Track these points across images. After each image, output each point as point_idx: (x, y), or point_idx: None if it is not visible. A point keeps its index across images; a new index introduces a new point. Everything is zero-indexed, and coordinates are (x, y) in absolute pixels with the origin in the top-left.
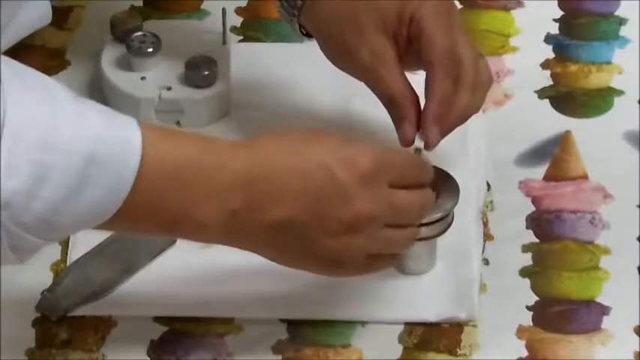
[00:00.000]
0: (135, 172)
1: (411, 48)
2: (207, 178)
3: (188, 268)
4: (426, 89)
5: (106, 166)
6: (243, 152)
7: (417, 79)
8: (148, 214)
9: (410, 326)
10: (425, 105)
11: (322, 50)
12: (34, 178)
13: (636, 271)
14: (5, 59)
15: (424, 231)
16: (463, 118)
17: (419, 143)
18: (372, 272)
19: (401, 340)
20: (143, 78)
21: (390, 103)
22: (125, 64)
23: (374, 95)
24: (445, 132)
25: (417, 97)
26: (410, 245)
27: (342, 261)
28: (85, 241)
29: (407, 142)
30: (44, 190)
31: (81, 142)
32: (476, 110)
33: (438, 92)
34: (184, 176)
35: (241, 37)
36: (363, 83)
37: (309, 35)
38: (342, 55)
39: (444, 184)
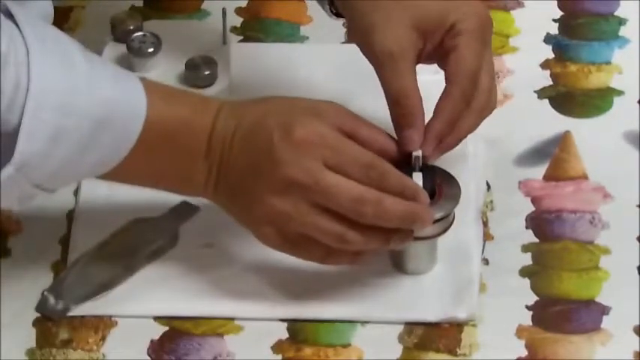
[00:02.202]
0: (138, 134)
1: (438, 50)
2: (196, 140)
3: (188, 268)
4: (439, 102)
5: (114, 128)
6: (224, 114)
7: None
8: (143, 169)
9: (410, 326)
10: (432, 120)
11: (347, 28)
12: (51, 140)
13: (636, 271)
14: (26, 20)
15: (425, 231)
16: (461, 139)
17: (417, 151)
18: (307, 256)
19: (401, 339)
20: (143, 78)
21: (395, 102)
22: (125, 64)
23: (373, 96)
24: (444, 150)
25: (422, 103)
26: (339, 244)
27: (266, 228)
28: (86, 241)
29: (410, 147)
30: (58, 151)
31: (93, 106)
32: (472, 132)
33: (448, 111)
34: (178, 136)
35: (241, 37)
36: (362, 84)
37: (337, 15)
38: (363, 34)
39: (445, 184)
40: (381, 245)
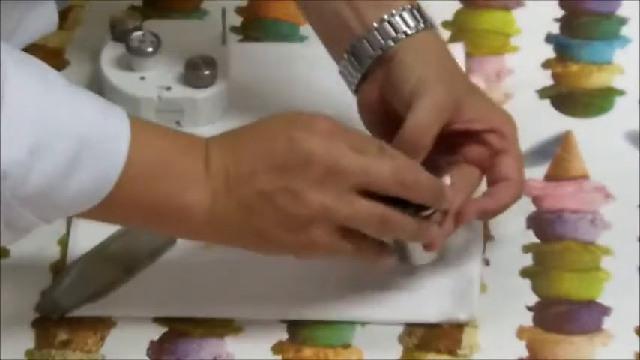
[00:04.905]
0: (124, 158)
1: (472, 142)
2: (191, 166)
3: (188, 269)
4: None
5: (97, 151)
6: (220, 139)
7: None
8: (137, 202)
9: (410, 327)
10: (487, 200)
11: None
12: (31, 151)
13: (637, 272)
14: (4, 47)
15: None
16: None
17: None
18: (342, 251)
19: (401, 340)
20: (143, 78)
21: (412, 141)
22: (125, 64)
23: None
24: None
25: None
26: (380, 227)
27: (312, 231)
28: (85, 242)
29: None
30: (40, 165)
31: (74, 123)
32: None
33: (507, 203)
34: (170, 163)
35: (241, 37)
36: None
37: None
38: (410, 87)
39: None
40: (412, 226)
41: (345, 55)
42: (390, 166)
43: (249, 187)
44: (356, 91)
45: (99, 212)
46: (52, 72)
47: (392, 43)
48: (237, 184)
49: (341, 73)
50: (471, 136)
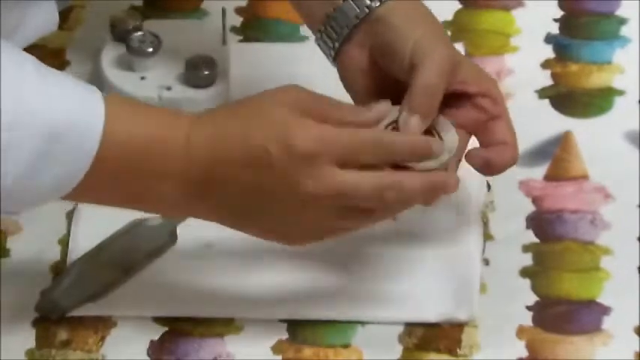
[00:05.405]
0: (96, 147)
1: (467, 105)
2: (168, 154)
3: (188, 268)
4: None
5: (68, 142)
6: (196, 127)
7: None
8: (110, 187)
9: (410, 326)
10: (487, 151)
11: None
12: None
13: (636, 271)
14: None
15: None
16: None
17: None
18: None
19: (401, 340)
20: (143, 78)
21: (431, 95)
22: (125, 64)
23: None
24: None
25: None
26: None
27: (293, 234)
28: (85, 242)
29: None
30: (9, 167)
31: (43, 119)
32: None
33: (507, 162)
34: (147, 151)
35: (241, 37)
36: None
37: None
38: (411, 46)
39: (440, 134)
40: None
41: (326, 20)
42: (371, 185)
43: (227, 192)
44: (334, 59)
45: (69, 196)
46: (29, 61)
47: (378, 3)
48: (217, 188)
49: (319, 40)
50: (462, 100)
